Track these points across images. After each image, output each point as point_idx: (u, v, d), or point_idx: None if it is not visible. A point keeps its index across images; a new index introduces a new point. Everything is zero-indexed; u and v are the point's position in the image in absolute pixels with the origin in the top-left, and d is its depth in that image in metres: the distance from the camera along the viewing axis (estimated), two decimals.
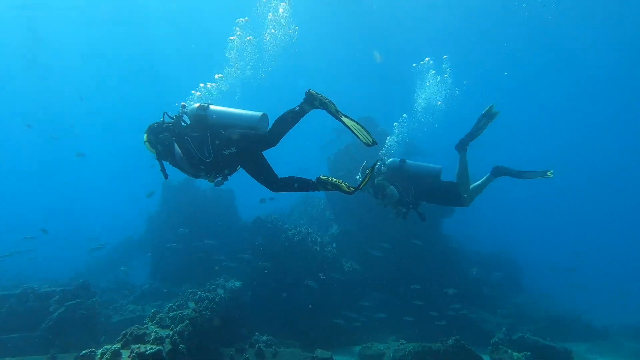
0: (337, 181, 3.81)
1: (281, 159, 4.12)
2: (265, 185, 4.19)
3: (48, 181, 52.73)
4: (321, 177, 3.87)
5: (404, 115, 8.27)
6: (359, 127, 3.82)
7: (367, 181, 3.85)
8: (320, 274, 9.83)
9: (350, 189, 3.77)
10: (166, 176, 4.49)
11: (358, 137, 3.80)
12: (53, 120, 42.61)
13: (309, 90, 3.85)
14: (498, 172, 5.92)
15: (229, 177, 4.49)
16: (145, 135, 4.35)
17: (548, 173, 5.77)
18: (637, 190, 43.50)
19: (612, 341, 12.31)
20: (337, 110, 3.82)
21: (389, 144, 7.22)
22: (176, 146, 4.26)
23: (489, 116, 5.61)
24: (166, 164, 4.44)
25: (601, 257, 32.64)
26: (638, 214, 43.18)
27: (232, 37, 7.48)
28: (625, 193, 45.29)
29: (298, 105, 3.93)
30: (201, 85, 5.70)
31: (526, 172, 5.86)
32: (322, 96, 3.83)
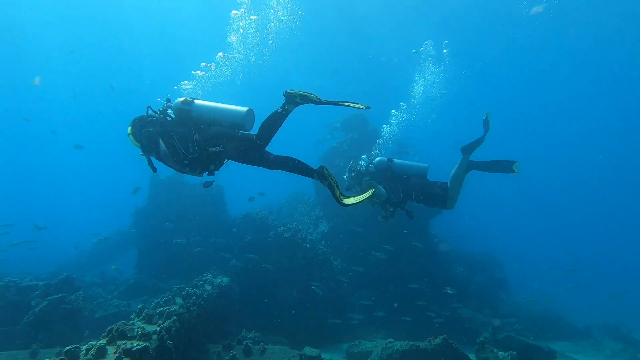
0: (336, 184, 3.72)
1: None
2: (259, 166, 4.11)
3: (39, 175, 51.80)
4: (324, 170, 3.69)
5: (401, 103, 8.23)
6: (347, 101, 3.91)
7: (358, 202, 3.79)
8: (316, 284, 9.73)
9: (341, 199, 3.66)
10: (154, 170, 4.40)
11: (352, 106, 3.89)
12: (45, 116, 41.84)
13: (285, 90, 3.84)
14: (469, 167, 5.89)
15: (215, 172, 4.41)
16: (129, 128, 4.25)
17: (513, 167, 5.69)
18: (636, 191, 44.24)
19: (594, 340, 12.63)
20: (319, 98, 3.83)
21: (385, 135, 7.19)
22: (161, 141, 4.16)
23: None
24: (152, 157, 4.35)
25: (588, 258, 33.17)
26: (632, 215, 44.07)
27: (234, 12, 7.30)
28: (623, 193, 46.21)
29: (280, 107, 3.89)
30: (203, 64, 5.55)
31: (494, 163, 5.80)
32: (300, 91, 3.82)
